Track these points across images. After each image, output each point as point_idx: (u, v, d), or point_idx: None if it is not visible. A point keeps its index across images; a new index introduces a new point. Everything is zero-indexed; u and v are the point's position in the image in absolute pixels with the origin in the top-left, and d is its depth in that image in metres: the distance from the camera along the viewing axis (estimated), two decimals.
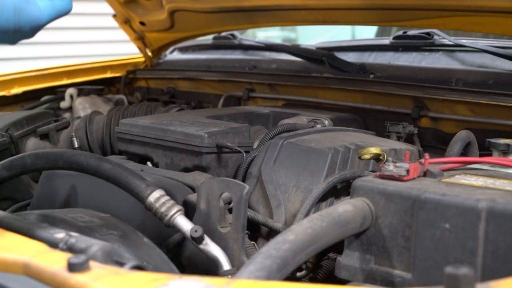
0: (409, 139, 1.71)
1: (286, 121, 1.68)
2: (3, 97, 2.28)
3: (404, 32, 2.08)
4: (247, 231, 1.16)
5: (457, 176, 1.12)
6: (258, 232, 1.33)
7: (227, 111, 1.86)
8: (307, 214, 1.24)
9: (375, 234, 1.03)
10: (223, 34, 2.58)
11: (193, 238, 1.07)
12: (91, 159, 1.16)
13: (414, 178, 1.07)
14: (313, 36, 3.55)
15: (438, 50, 1.98)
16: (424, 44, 2.00)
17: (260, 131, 1.67)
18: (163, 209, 1.10)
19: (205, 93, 2.42)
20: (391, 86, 1.85)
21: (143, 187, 1.11)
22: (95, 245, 0.82)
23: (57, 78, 2.50)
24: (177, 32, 2.55)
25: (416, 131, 1.72)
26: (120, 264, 0.80)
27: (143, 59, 2.73)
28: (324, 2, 1.99)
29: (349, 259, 1.06)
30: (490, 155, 1.38)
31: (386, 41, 2.14)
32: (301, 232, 0.90)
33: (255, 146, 1.55)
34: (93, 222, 1.10)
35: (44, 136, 2.01)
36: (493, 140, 1.37)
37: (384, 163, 1.08)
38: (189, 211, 1.24)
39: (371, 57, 2.13)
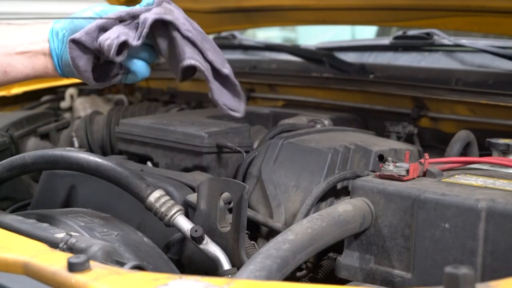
0: (409, 139, 1.71)
1: (286, 121, 1.68)
2: (3, 97, 2.28)
3: (404, 32, 2.08)
4: (247, 231, 1.16)
5: (457, 176, 1.12)
6: (258, 232, 1.33)
7: None
8: (307, 214, 1.24)
9: (375, 234, 1.03)
10: (223, 34, 2.58)
11: (193, 238, 1.07)
12: (91, 159, 1.16)
13: (414, 178, 1.08)
14: (313, 36, 3.54)
15: (438, 50, 1.98)
16: (424, 44, 2.00)
17: (260, 131, 1.67)
18: (163, 209, 1.10)
19: (205, 93, 2.41)
20: (391, 86, 1.85)
21: (143, 187, 1.11)
22: (95, 245, 0.82)
23: (57, 78, 2.49)
24: None
25: (416, 131, 1.72)
26: (120, 264, 0.80)
27: None
28: (324, 2, 1.99)
29: (349, 259, 1.06)
30: (490, 155, 1.38)
31: (386, 41, 2.14)
32: (301, 232, 0.90)
33: (255, 146, 1.55)
34: (93, 222, 1.10)
35: (44, 136, 2.01)
36: (493, 140, 1.37)
37: (384, 163, 1.08)
38: (189, 211, 1.24)
39: (371, 57, 2.13)
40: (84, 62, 1.05)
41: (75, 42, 1.04)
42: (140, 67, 1.11)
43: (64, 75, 1.13)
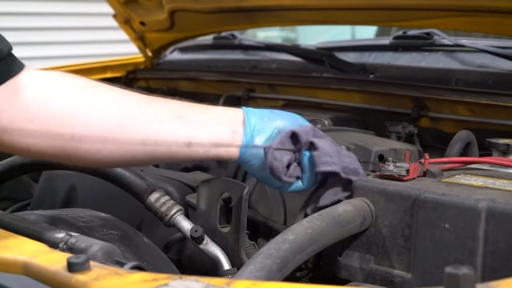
0: (409, 139, 1.71)
1: None
2: None
3: (404, 32, 2.08)
4: (247, 231, 1.16)
5: (457, 176, 1.12)
6: (258, 232, 1.33)
7: None
8: (307, 214, 1.23)
9: (375, 234, 1.03)
10: (223, 34, 2.58)
11: (193, 238, 1.07)
12: None
13: (414, 178, 1.07)
14: (313, 36, 3.54)
15: (438, 50, 1.98)
16: (424, 44, 2.00)
17: None
18: (163, 209, 1.10)
19: (205, 93, 2.42)
20: (391, 86, 1.85)
21: (143, 187, 1.11)
22: (95, 245, 0.82)
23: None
24: (177, 32, 2.55)
25: (416, 131, 1.72)
26: (120, 264, 0.80)
27: (143, 59, 2.73)
28: (324, 2, 1.99)
29: (349, 259, 1.06)
30: (490, 155, 1.38)
31: (386, 41, 2.14)
32: (301, 232, 0.90)
33: None
34: (93, 222, 1.11)
35: None
36: (493, 140, 1.37)
37: (384, 163, 1.08)
38: (189, 211, 1.24)
39: (371, 57, 2.13)
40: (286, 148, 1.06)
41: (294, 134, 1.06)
42: (308, 179, 1.10)
43: (242, 160, 1.05)
